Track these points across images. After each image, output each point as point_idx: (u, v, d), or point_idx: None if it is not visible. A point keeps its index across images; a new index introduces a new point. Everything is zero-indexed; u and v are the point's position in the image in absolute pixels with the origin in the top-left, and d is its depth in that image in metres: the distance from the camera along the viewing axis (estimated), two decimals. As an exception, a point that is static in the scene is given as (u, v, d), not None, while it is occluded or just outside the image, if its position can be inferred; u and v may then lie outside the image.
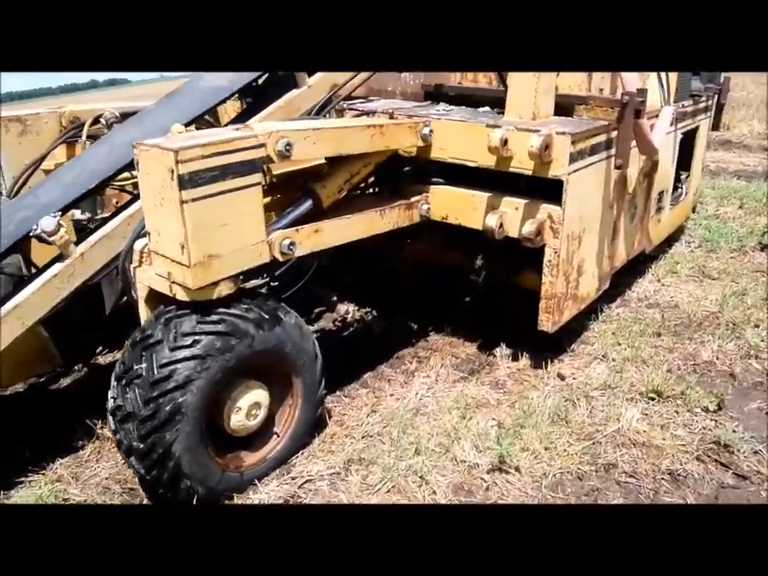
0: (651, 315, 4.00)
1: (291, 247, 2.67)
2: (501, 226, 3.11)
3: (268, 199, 3.17)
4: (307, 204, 2.93)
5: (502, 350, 3.62)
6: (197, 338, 2.40)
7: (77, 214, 3.25)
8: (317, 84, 3.32)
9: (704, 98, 4.85)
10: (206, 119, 3.31)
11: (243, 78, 3.27)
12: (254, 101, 3.38)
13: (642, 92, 3.11)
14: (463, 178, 3.34)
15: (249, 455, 2.75)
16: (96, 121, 3.43)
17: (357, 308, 4.35)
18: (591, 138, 3.13)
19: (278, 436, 2.83)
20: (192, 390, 2.36)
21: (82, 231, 2.96)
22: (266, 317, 2.60)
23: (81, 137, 3.37)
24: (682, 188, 5.03)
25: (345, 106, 3.61)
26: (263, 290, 2.97)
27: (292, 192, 3.06)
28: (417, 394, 3.25)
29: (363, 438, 2.95)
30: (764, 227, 5.39)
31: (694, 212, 5.57)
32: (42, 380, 3.49)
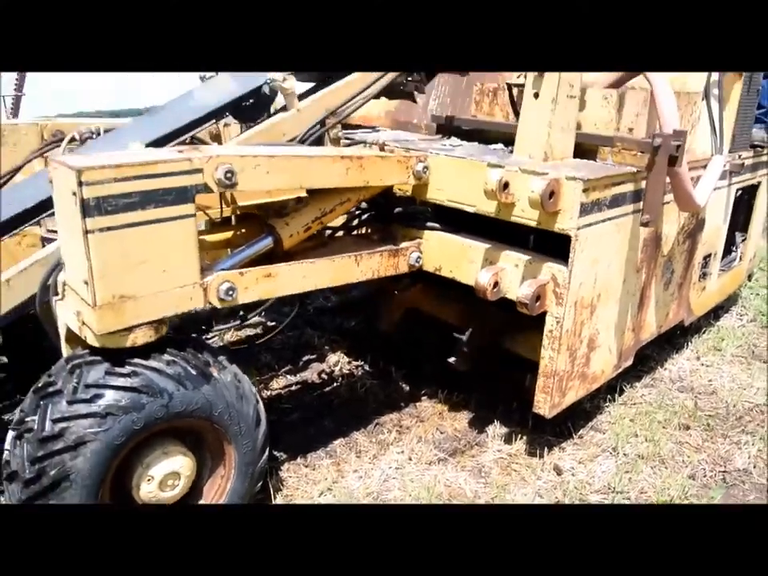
0: (682, 401, 3.38)
1: (231, 293, 2.27)
2: (496, 285, 2.62)
3: (229, 234, 2.80)
4: (264, 243, 2.53)
5: (495, 428, 3.09)
6: (99, 391, 2.02)
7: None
8: (307, 108, 2.96)
9: (768, 150, 4.23)
10: (196, 139, 2.98)
11: (228, 96, 2.97)
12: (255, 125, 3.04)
13: (680, 134, 2.56)
14: (466, 226, 2.88)
15: (163, 532, 2.33)
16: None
17: (348, 360, 3.91)
18: (612, 187, 2.62)
19: (203, 512, 2.40)
20: (85, 453, 1.97)
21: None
22: (192, 372, 2.19)
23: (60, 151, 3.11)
24: (736, 251, 4.40)
25: (341, 135, 3.21)
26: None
27: (256, 229, 2.68)
28: (383, 474, 2.76)
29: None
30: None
31: (750, 280, 4.88)
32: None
